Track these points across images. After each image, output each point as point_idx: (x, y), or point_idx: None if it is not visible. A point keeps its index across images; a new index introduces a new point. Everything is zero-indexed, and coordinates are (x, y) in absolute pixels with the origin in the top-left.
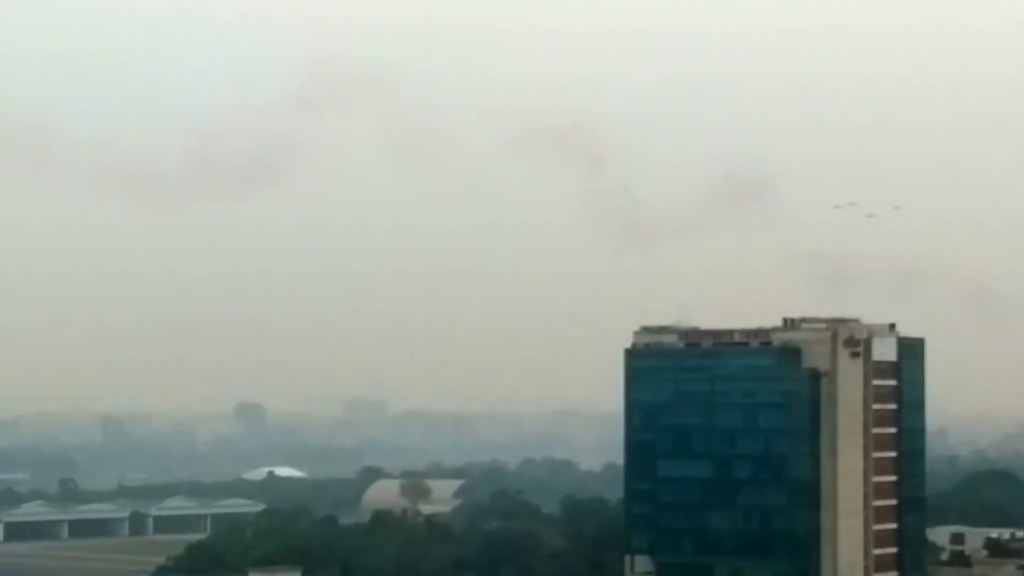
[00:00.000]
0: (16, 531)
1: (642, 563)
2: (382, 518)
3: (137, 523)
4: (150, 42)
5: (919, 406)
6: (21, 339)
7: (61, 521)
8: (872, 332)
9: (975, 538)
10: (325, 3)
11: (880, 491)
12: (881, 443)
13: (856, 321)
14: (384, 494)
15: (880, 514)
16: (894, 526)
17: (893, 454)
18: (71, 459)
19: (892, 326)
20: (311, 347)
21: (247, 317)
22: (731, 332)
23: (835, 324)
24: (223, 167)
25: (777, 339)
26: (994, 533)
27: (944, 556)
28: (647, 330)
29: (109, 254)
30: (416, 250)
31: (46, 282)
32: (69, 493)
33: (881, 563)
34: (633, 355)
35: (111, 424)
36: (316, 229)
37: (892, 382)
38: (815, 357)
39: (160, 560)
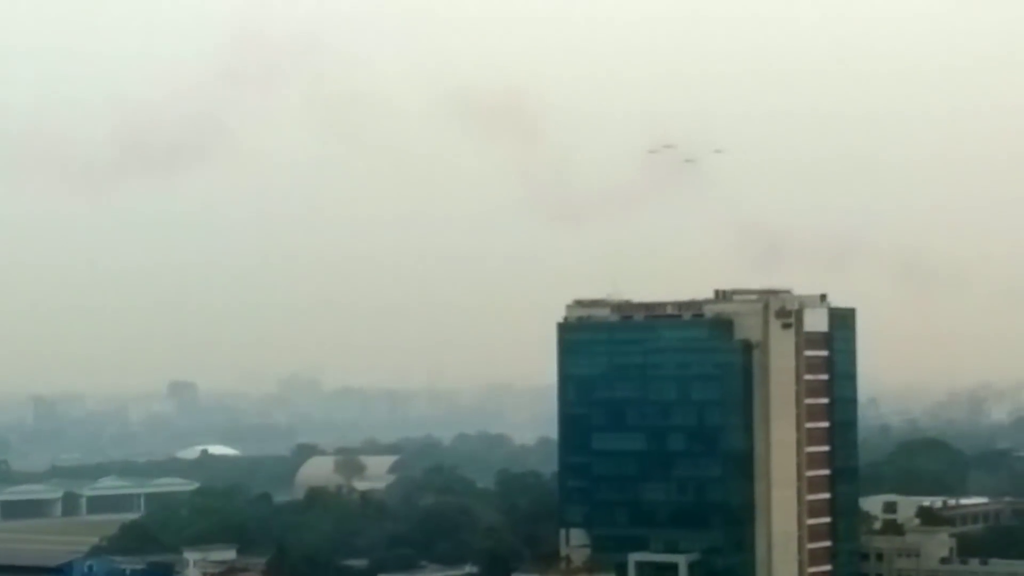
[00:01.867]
0: None
1: (577, 536)
2: (317, 495)
3: (70, 504)
4: (71, 19)
5: (851, 376)
6: None
7: None
8: (803, 303)
9: (908, 507)
10: None
11: (813, 461)
12: (813, 414)
13: (788, 292)
14: (319, 471)
15: (813, 484)
16: (827, 496)
17: (825, 424)
18: (3, 440)
19: (823, 297)
20: (244, 325)
21: (179, 297)
22: (663, 305)
23: (767, 295)
24: (150, 148)
25: (709, 311)
26: (926, 502)
27: (877, 525)
28: (580, 304)
29: (37, 237)
30: (347, 229)
31: None
32: (1, 474)
33: (815, 533)
34: (566, 329)
35: (43, 405)
36: (245, 209)
37: (824, 353)
38: (747, 329)
39: (94, 540)
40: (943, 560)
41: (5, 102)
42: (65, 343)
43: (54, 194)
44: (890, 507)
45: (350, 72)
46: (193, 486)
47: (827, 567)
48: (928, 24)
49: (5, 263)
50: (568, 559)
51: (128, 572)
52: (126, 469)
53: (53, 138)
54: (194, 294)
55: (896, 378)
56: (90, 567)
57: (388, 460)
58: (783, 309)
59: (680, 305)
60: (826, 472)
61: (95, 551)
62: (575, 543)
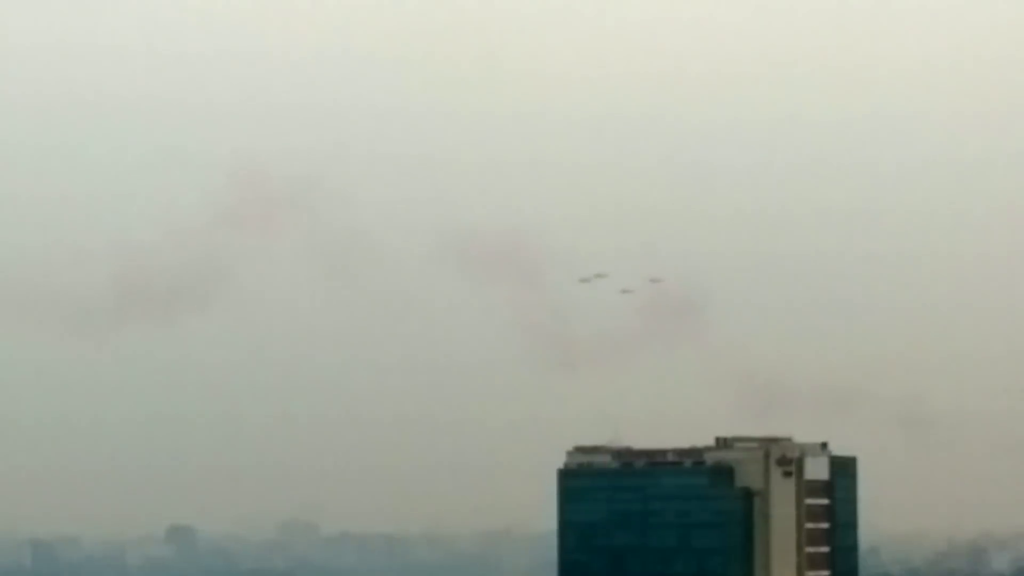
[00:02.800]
0: None
1: None
2: None
3: None
4: (66, 161)
5: (852, 525)
6: None
7: None
8: (804, 451)
9: None
10: (242, 114)
11: None
12: (815, 562)
13: (788, 440)
14: None
15: None
16: None
17: (826, 573)
18: None
19: (824, 445)
20: (242, 470)
21: (176, 440)
22: (664, 452)
23: (767, 443)
24: (149, 292)
25: (710, 458)
26: None
27: None
28: (580, 450)
29: (32, 383)
30: (344, 373)
31: None
32: None
33: None
34: (566, 475)
35: (41, 548)
36: (244, 352)
37: (825, 501)
38: (748, 476)
39: None
40: None
41: (5, 247)
42: (63, 487)
43: (52, 340)
44: None
45: (349, 213)
46: None
47: None
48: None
49: (3, 408)
50: None
51: None
52: None
53: (51, 283)
54: (193, 439)
55: (897, 527)
56: None
57: None
58: (784, 457)
59: (681, 452)
60: None
61: None
62: None
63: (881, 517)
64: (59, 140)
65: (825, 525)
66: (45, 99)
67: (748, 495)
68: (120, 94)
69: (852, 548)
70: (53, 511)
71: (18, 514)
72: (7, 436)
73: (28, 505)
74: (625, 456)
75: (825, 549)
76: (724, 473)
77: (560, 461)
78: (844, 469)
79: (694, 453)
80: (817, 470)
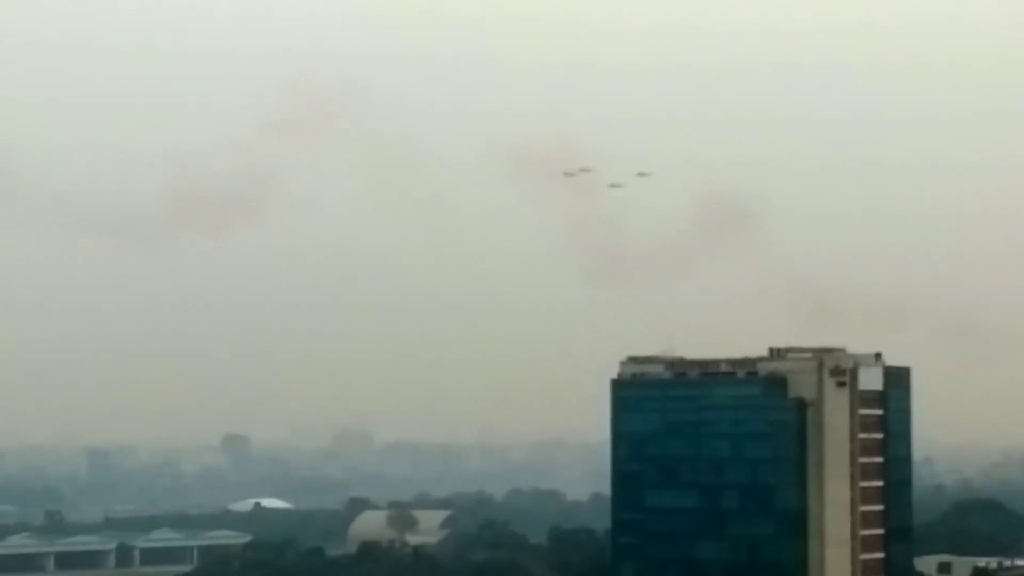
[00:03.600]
0: (2, 564)
1: None
2: (369, 549)
3: (124, 555)
4: (116, 74)
5: (905, 435)
6: (6, 373)
7: (47, 553)
8: (858, 362)
9: (962, 567)
10: (296, 24)
11: (867, 520)
12: (868, 472)
13: (842, 351)
14: (371, 525)
15: (867, 543)
16: (881, 555)
17: (880, 483)
18: (57, 491)
19: (878, 356)
20: (297, 379)
21: (232, 350)
22: (717, 362)
23: (821, 354)
24: (201, 201)
25: (763, 369)
26: (981, 562)
27: None
28: (633, 360)
29: (91, 291)
30: (398, 282)
31: (29, 320)
32: (55, 525)
33: None
34: (619, 385)
35: (97, 456)
36: (296, 261)
37: (878, 411)
38: (801, 387)
39: None
40: None
41: (59, 160)
42: (119, 395)
43: (107, 250)
44: (945, 567)
45: (400, 121)
46: (246, 539)
47: None
48: (988, 73)
49: (60, 317)
50: None
51: None
52: (179, 521)
53: (105, 194)
54: (247, 347)
55: (951, 438)
56: None
57: (440, 515)
58: (837, 367)
59: (734, 362)
60: (880, 532)
61: None
62: None
63: (935, 428)
64: (109, 45)
65: (879, 436)
66: (94, 7)
67: (801, 405)
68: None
69: (906, 459)
70: (109, 420)
71: (74, 423)
72: (61, 345)
73: (84, 414)
74: (678, 366)
75: (879, 459)
76: (777, 383)
77: (613, 371)
78: (898, 380)
79: (747, 363)
80: (871, 381)
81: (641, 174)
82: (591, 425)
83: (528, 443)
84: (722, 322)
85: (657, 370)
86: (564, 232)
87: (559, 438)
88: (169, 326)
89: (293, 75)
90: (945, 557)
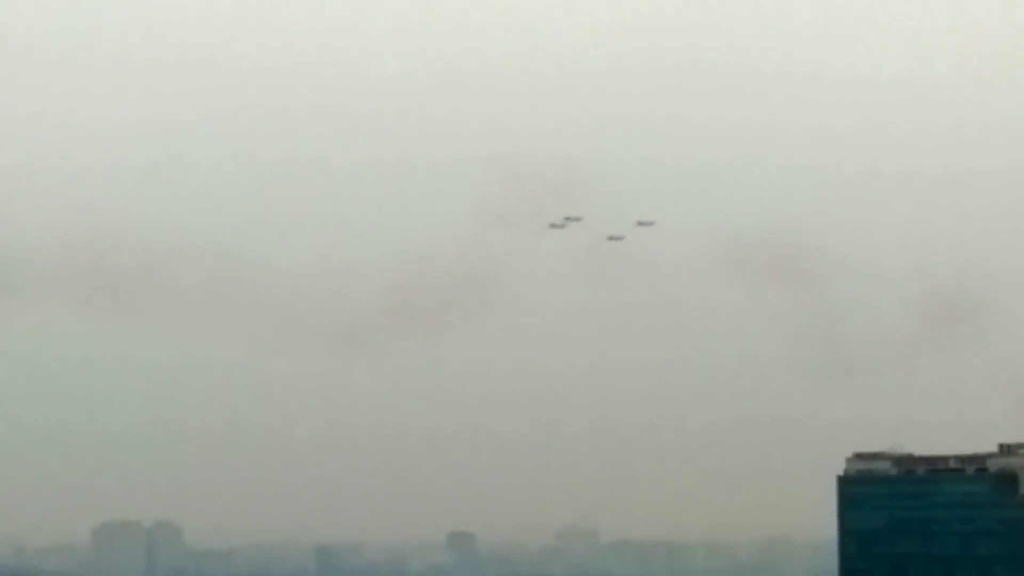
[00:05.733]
0: None
1: None
2: None
3: None
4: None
5: None
6: (237, 471)
7: None
8: None
9: None
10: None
11: None
12: None
13: None
14: None
15: None
16: None
17: None
18: None
19: None
20: (521, 476)
21: (456, 446)
22: (946, 458)
23: None
24: (418, 303)
25: (993, 465)
26: None
27: None
28: (859, 457)
29: (314, 394)
30: (623, 377)
31: (259, 423)
32: None
33: None
34: (846, 482)
35: (325, 555)
36: (516, 361)
37: None
38: None
39: None
40: None
41: (277, 265)
42: (346, 495)
43: (323, 354)
44: None
45: (614, 215)
46: None
47: None
48: None
49: (280, 420)
50: None
51: None
52: None
53: (321, 296)
54: (472, 442)
55: None
56: None
57: None
58: None
59: (963, 459)
60: None
61: None
62: None
63: None
64: (318, 153)
65: None
66: (303, 111)
67: None
68: (381, 100)
69: None
70: (337, 519)
71: (303, 522)
72: (291, 447)
73: (312, 513)
74: (905, 463)
75: None
76: (1008, 480)
77: (839, 467)
78: None
79: (977, 460)
80: None
81: (642, 224)
82: (818, 523)
83: (754, 541)
84: (949, 417)
85: (884, 466)
86: (786, 326)
87: (786, 535)
88: (389, 427)
89: (510, 163)
90: None
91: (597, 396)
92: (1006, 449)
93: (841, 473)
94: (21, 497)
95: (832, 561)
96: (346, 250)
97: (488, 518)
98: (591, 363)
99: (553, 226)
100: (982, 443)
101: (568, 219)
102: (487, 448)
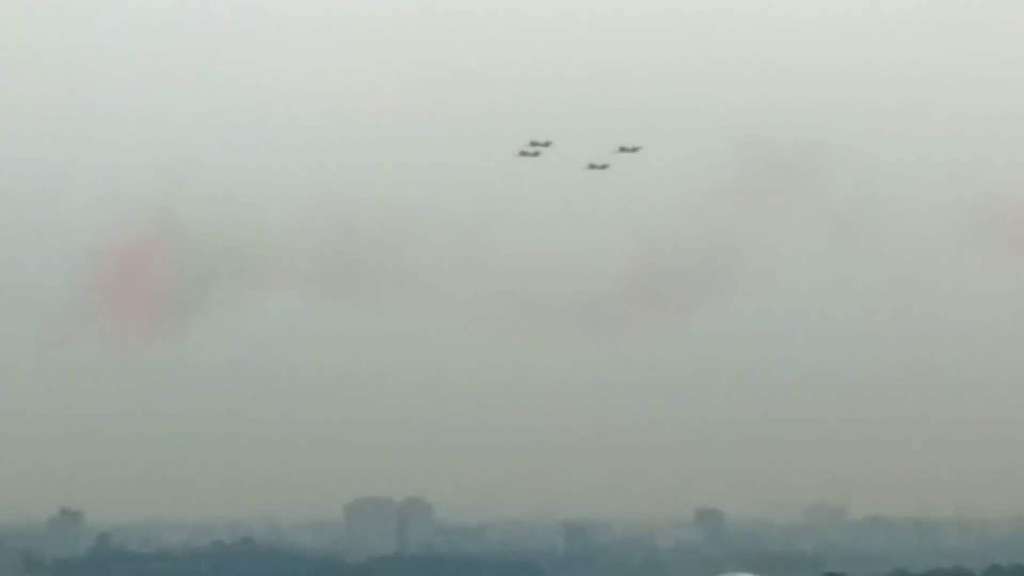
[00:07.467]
0: None
1: None
2: None
3: None
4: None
5: None
6: (484, 450)
7: None
8: None
9: None
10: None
11: None
12: None
13: None
14: None
15: None
16: None
17: None
18: (536, 565)
19: None
20: (769, 453)
21: (702, 425)
22: None
23: None
24: (668, 278)
25: None
26: None
27: None
28: None
29: (557, 378)
30: (870, 352)
31: (504, 406)
32: None
33: None
34: None
35: (574, 531)
36: (758, 328)
37: None
38: None
39: None
40: None
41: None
42: (594, 472)
43: (559, 338)
44: None
45: (861, 176)
46: None
47: None
48: None
49: (527, 403)
50: None
51: None
52: None
53: (559, 278)
54: (716, 426)
55: None
56: None
57: None
58: None
59: None
60: None
61: None
62: None
63: None
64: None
65: None
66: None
67: None
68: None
69: None
70: (585, 496)
71: (552, 499)
72: (537, 426)
73: (562, 490)
74: None
75: None
76: None
77: None
78: None
79: None
80: None
81: (624, 149)
82: None
83: (1008, 518)
84: None
85: None
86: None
87: None
88: (639, 406)
89: (747, 133)
90: None
91: (846, 371)
92: None
93: None
94: (276, 475)
95: None
96: None
97: (736, 495)
98: (838, 336)
99: None
100: None
101: None
102: (734, 426)
